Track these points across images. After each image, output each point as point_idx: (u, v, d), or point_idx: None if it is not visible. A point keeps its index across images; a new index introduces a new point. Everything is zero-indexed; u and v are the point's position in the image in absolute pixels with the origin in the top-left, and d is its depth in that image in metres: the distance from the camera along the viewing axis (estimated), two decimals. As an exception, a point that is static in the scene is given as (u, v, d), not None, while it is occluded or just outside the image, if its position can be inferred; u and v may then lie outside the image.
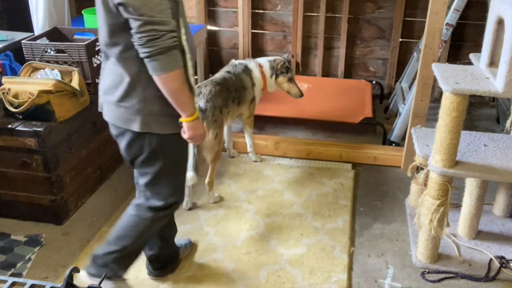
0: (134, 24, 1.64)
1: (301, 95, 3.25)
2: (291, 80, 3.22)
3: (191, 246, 2.56)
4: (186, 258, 2.49)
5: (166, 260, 2.36)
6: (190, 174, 2.69)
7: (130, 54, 1.74)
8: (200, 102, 2.72)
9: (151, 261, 2.33)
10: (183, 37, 1.77)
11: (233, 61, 3.15)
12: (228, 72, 3.04)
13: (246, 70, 3.10)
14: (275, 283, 2.34)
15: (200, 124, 1.91)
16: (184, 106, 1.81)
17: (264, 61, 3.21)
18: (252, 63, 3.15)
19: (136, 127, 1.84)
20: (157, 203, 2.00)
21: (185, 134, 1.88)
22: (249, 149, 3.37)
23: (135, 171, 2.06)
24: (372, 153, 3.36)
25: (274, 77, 3.18)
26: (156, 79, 1.72)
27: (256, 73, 3.13)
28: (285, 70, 3.19)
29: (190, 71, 1.83)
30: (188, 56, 1.80)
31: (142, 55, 1.68)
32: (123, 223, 2.06)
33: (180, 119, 1.85)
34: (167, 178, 1.98)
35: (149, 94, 1.80)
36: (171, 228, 2.34)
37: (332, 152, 3.40)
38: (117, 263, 2.01)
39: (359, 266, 2.48)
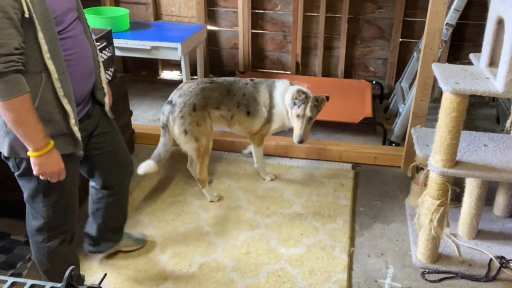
0: None
1: (300, 141, 2.78)
2: (298, 116, 2.76)
3: (143, 243, 2.55)
4: (186, 258, 2.49)
5: (99, 239, 2.37)
6: (149, 162, 2.77)
7: None
8: (174, 95, 2.77)
9: (86, 235, 2.37)
10: (46, 56, 1.60)
11: (275, 80, 2.95)
12: (252, 79, 2.95)
13: (271, 85, 2.89)
14: (275, 283, 2.34)
15: (53, 160, 1.70)
16: (26, 139, 1.63)
17: (293, 89, 2.82)
18: (282, 84, 2.89)
19: (4, 151, 1.73)
20: (37, 222, 1.91)
21: (33, 170, 1.71)
22: (255, 165, 3.18)
23: None
24: (372, 153, 3.36)
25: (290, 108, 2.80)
26: None
27: (277, 93, 2.86)
28: (300, 102, 2.74)
29: (60, 92, 1.67)
30: (54, 77, 1.64)
31: None
32: (32, 252, 2.03)
33: (28, 153, 1.67)
34: (44, 199, 1.86)
35: None
36: (107, 212, 2.27)
37: (332, 152, 3.40)
38: None
39: (359, 266, 2.48)
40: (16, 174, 1.86)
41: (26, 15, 1.54)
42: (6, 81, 1.52)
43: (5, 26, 1.49)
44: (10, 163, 1.83)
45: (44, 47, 1.60)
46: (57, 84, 1.66)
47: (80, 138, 1.81)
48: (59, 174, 1.76)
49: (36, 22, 1.57)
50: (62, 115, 1.72)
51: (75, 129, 1.77)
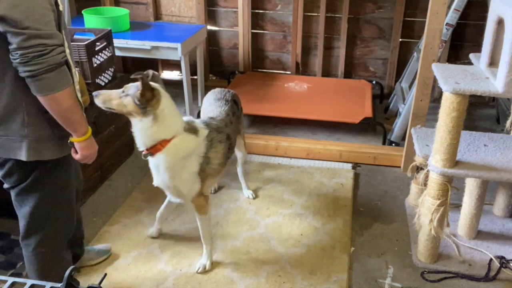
0: (14, 39, 1.45)
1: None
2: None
3: (107, 254, 2.48)
4: (186, 258, 2.49)
5: None
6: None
7: (3, 73, 1.56)
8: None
9: None
10: (67, 51, 1.62)
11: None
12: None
13: None
14: (275, 283, 2.34)
15: (93, 142, 1.77)
16: (77, 125, 1.67)
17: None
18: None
19: (23, 155, 1.65)
20: (39, 235, 1.85)
21: (77, 155, 1.74)
22: None
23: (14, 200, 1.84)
24: (372, 153, 3.36)
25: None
26: (44, 99, 1.56)
27: None
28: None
29: (77, 86, 1.72)
30: (73, 70, 1.68)
31: (24, 74, 1.50)
32: (26, 266, 1.96)
33: (71, 139, 1.70)
34: (49, 209, 1.84)
35: (34, 117, 1.63)
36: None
37: (332, 152, 3.40)
38: None
39: (359, 266, 2.48)
40: (20, 187, 1.76)
41: (61, 8, 1.59)
42: (61, 72, 1.56)
43: (52, 18, 1.53)
44: (20, 174, 1.74)
45: (66, 43, 1.63)
46: (75, 78, 1.71)
47: None
48: (95, 155, 1.82)
49: (61, 17, 1.62)
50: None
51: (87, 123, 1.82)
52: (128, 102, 2.06)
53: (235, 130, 2.57)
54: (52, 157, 1.72)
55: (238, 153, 2.88)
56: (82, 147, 1.73)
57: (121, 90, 2.11)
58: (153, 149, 2.13)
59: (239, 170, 2.97)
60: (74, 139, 1.71)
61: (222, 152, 2.35)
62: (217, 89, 2.72)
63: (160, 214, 2.65)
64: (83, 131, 1.71)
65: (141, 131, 2.10)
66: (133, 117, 2.09)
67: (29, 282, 1.18)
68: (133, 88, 2.07)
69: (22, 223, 1.87)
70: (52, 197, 1.83)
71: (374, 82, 4.31)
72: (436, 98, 4.04)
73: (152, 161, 2.19)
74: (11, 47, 1.48)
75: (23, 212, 1.84)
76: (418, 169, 2.71)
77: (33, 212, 1.82)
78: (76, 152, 1.76)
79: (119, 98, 2.07)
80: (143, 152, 2.15)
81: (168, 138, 2.12)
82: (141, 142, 2.13)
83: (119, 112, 2.11)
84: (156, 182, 2.28)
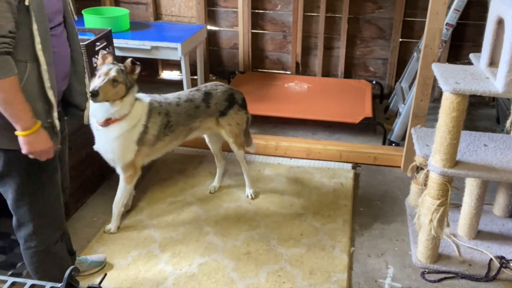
0: None
1: (95, 91, 2.26)
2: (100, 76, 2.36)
3: (101, 265, 2.43)
4: (186, 258, 2.49)
5: None
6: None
7: None
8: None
9: None
10: (38, 47, 1.63)
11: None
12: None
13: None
14: (275, 283, 2.34)
15: (41, 138, 1.72)
16: (15, 118, 1.64)
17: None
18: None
19: None
20: (27, 229, 1.88)
21: (22, 149, 1.72)
22: None
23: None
24: (372, 153, 3.36)
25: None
26: None
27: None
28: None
29: (47, 84, 1.70)
30: (43, 68, 1.67)
31: None
32: (25, 261, 1.98)
33: (16, 132, 1.68)
34: (30, 198, 1.84)
35: None
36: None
37: (332, 152, 3.40)
38: None
39: (359, 266, 2.48)
40: None
41: (27, 3, 1.59)
42: (0, 61, 1.55)
43: (3, 9, 1.54)
44: None
45: (37, 38, 1.64)
46: (45, 76, 1.69)
47: (59, 132, 1.82)
48: (48, 152, 1.76)
49: (32, 13, 1.62)
50: (45, 107, 1.73)
51: (57, 122, 1.78)
52: (121, 88, 2.34)
53: (187, 118, 2.68)
54: (7, 147, 1.72)
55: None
56: (24, 142, 1.69)
57: (101, 78, 2.31)
58: (110, 120, 2.38)
59: (242, 167, 3.00)
60: (18, 132, 1.68)
61: (159, 124, 2.53)
62: (211, 82, 2.89)
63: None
64: (26, 126, 1.66)
65: (112, 107, 2.35)
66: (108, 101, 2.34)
67: (29, 282, 1.18)
68: (121, 74, 2.35)
69: (13, 217, 1.92)
70: (29, 184, 1.83)
71: (374, 82, 4.31)
72: (436, 98, 4.03)
73: (105, 130, 2.42)
74: None
75: (9, 204, 1.88)
76: (418, 169, 2.71)
77: (15, 201, 1.85)
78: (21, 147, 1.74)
79: (113, 88, 2.32)
80: (99, 124, 2.39)
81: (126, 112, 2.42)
82: (102, 116, 2.37)
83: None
84: (97, 147, 2.52)
